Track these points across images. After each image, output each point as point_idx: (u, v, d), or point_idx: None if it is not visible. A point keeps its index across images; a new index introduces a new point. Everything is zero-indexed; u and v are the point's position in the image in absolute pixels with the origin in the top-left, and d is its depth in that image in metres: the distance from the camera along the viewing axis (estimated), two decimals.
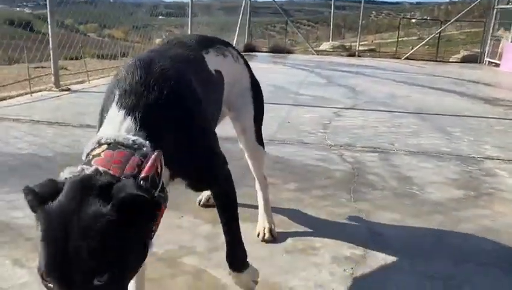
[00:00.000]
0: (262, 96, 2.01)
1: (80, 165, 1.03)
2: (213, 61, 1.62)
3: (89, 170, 0.99)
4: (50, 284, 0.89)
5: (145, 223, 0.99)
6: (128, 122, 1.11)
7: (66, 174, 1.01)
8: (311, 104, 5.42)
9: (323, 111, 5.03)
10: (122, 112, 1.13)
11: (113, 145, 1.06)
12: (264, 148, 2.05)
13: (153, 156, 1.04)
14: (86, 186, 0.94)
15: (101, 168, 1.00)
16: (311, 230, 2.15)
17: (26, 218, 2.12)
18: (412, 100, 6.11)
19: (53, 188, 0.94)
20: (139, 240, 0.97)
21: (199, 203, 2.33)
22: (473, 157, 3.47)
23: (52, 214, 0.90)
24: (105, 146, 1.06)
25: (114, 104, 1.16)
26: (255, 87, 1.95)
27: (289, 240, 2.05)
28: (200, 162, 1.31)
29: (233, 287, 1.62)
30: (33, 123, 3.90)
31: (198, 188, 1.52)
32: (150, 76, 1.21)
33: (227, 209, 1.51)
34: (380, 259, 1.91)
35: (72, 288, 0.87)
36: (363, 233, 2.15)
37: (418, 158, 3.39)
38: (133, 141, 1.07)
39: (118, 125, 1.12)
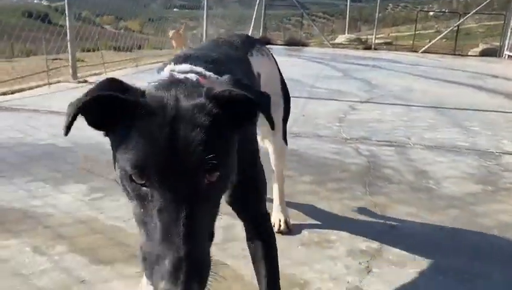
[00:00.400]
0: (289, 95, 2.00)
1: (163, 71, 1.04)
2: (255, 63, 1.62)
3: (177, 75, 0.99)
4: (144, 188, 0.79)
5: (246, 124, 0.93)
6: None
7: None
8: (327, 98, 5.39)
9: (338, 104, 5.00)
10: None
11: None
12: (287, 144, 2.09)
13: None
14: (180, 84, 0.92)
15: (194, 77, 0.99)
16: (327, 223, 2.15)
17: (45, 206, 2.17)
18: (429, 94, 6.04)
19: (137, 89, 0.89)
20: (243, 143, 0.94)
21: None
22: (491, 152, 3.42)
23: (148, 107, 0.83)
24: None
25: None
26: (284, 86, 1.96)
27: (305, 233, 2.05)
28: (250, 172, 1.22)
29: (249, 278, 1.63)
30: (52, 114, 3.96)
31: (237, 207, 1.28)
32: None
33: (269, 260, 1.27)
34: (394, 253, 1.91)
35: (179, 188, 0.77)
36: (378, 227, 2.14)
37: (434, 152, 3.35)
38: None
39: None
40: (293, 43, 15.31)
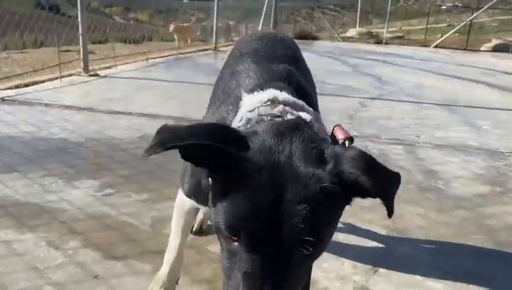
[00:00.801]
0: None
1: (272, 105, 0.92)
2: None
3: (290, 115, 0.89)
4: (235, 243, 0.75)
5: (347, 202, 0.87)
6: None
7: (243, 113, 0.90)
8: (337, 94, 5.39)
9: (349, 101, 5.00)
10: None
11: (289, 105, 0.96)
12: None
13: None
14: (293, 132, 0.82)
15: (305, 116, 0.91)
16: None
17: (60, 202, 2.22)
18: (440, 91, 6.00)
19: (241, 138, 0.81)
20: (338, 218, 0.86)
21: (192, 232, 1.96)
22: (501, 152, 3.41)
23: (254, 164, 0.76)
24: (281, 106, 0.95)
25: None
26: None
27: None
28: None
29: None
30: (64, 108, 4.01)
31: None
32: None
33: None
34: (401, 253, 1.93)
35: (270, 258, 0.73)
36: (385, 227, 2.16)
37: (444, 152, 3.36)
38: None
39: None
40: (303, 36, 15.23)
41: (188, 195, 1.32)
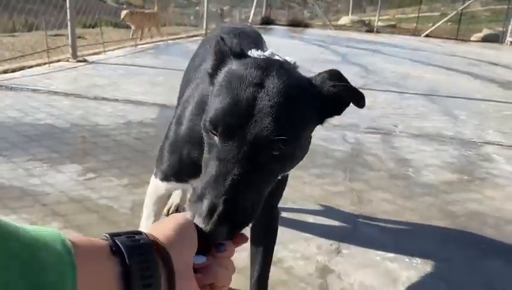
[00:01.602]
0: None
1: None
2: None
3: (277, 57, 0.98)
4: (215, 137, 0.84)
5: (328, 115, 0.95)
6: None
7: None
8: None
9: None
10: None
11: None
12: None
13: None
14: (282, 63, 0.92)
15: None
16: (306, 206, 2.30)
17: (43, 185, 2.31)
18: (425, 81, 6.12)
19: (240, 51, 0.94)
20: (310, 135, 0.93)
21: (167, 214, 2.13)
22: (474, 141, 3.54)
23: (245, 68, 0.86)
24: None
25: None
26: None
27: (284, 214, 2.19)
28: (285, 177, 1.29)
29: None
30: (51, 94, 4.08)
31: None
32: None
33: (268, 257, 1.44)
34: (366, 235, 2.06)
35: (241, 148, 0.80)
36: (353, 211, 2.28)
37: (418, 141, 3.48)
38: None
39: None
40: (295, 23, 15.25)
41: (167, 176, 1.39)
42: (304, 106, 0.86)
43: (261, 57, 0.96)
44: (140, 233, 0.61)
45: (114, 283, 0.53)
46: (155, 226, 0.68)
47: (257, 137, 0.80)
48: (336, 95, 0.90)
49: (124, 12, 8.90)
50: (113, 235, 0.57)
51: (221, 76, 0.90)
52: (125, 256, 0.54)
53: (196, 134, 1.21)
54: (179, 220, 0.69)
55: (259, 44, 1.61)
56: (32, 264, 0.44)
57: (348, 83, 0.93)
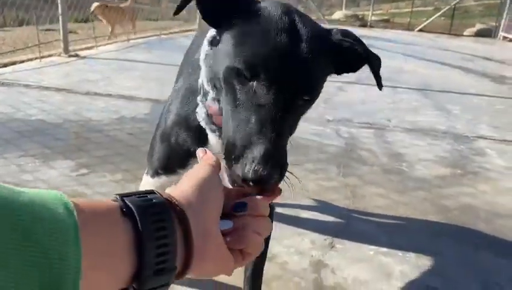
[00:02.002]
0: None
1: None
2: None
3: None
4: (251, 82, 0.82)
5: (345, 69, 1.00)
6: None
7: None
8: None
9: (326, 85, 5.08)
10: None
11: None
12: None
13: None
14: (297, 10, 0.93)
15: None
16: (300, 202, 2.30)
17: (35, 181, 2.30)
18: (418, 75, 6.14)
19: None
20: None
21: None
22: (466, 136, 3.56)
23: (269, 13, 0.87)
24: None
25: None
26: None
27: (278, 209, 2.19)
28: None
29: None
30: (42, 89, 4.04)
31: None
32: None
33: (263, 253, 1.43)
34: (359, 230, 2.06)
35: (284, 92, 0.81)
36: (347, 205, 2.29)
37: (412, 135, 3.49)
38: None
39: None
40: None
41: (156, 170, 1.36)
42: (328, 55, 0.90)
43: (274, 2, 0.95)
44: (153, 192, 0.56)
45: (125, 245, 0.48)
46: (174, 186, 0.61)
47: (298, 83, 0.82)
48: (354, 51, 0.94)
49: (94, 5, 7.97)
50: (123, 196, 0.52)
51: (238, 22, 0.88)
52: (137, 217, 0.50)
53: (183, 118, 1.21)
54: (201, 174, 0.62)
55: None
56: (30, 229, 0.39)
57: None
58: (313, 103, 0.93)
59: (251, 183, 0.73)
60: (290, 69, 0.82)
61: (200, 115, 1.08)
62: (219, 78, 0.91)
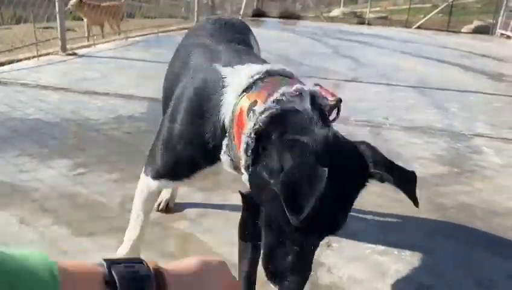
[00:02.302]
0: None
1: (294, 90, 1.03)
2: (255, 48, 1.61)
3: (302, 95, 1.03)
4: (296, 233, 0.93)
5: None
6: None
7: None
8: (313, 76, 5.47)
9: (323, 83, 5.02)
10: None
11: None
12: None
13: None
14: (335, 137, 0.98)
15: (305, 88, 1.05)
16: None
17: (32, 181, 2.30)
18: (415, 73, 6.14)
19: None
20: None
21: (157, 209, 2.09)
22: (463, 134, 3.57)
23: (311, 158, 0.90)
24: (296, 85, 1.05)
25: None
26: None
27: None
28: None
29: (219, 250, 1.79)
30: (40, 88, 4.03)
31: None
32: None
33: (258, 248, 1.44)
34: (355, 229, 2.07)
35: (318, 242, 1.01)
36: None
37: (409, 134, 3.50)
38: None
39: None
40: (287, 16, 15.21)
41: (160, 174, 1.35)
42: (359, 185, 1.00)
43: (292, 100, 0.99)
44: (141, 262, 0.56)
45: None
46: (178, 261, 0.62)
47: (334, 227, 0.97)
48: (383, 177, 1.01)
49: (73, 1, 7.31)
50: (111, 263, 0.53)
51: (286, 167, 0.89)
52: (118, 288, 0.51)
53: (192, 134, 1.18)
54: (212, 273, 0.61)
55: (245, 36, 1.58)
56: None
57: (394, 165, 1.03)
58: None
59: None
60: (329, 214, 0.93)
61: (225, 160, 1.13)
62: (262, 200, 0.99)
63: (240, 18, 2.09)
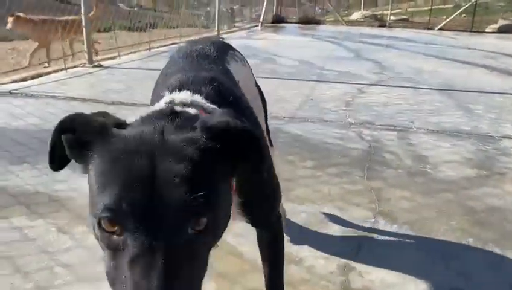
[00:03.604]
0: (264, 95, 1.92)
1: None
2: (234, 71, 1.52)
3: (167, 108, 0.90)
4: (115, 236, 0.69)
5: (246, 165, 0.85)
6: None
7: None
8: (336, 80, 5.48)
9: (347, 87, 5.10)
10: None
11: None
12: (272, 145, 2.04)
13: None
14: (172, 115, 0.83)
15: (178, 108, 0.90)
16: (325, 206, 2.32)
17: (67, 190, 2.38)
18: (439, 75, 6.07)
19: (116, 120, 0.84)
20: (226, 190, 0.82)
21: None
22: (491, 136, 3.52)
23: (125, 140, 0.76)
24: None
25: None
26: (259, 87, 1.88)
27: (303, 215, 2.22)
28: (268, 187, 1.19)
29: (249, 255, 1.82)
30: (69, 100, 4.16)
31: (249, 220, 1.18)
32: None
33: (276, 260, 1.34)
34: (385, 233, 2.07)
35: (157, 234, 0.66)
36: (372, 209, 2.30)
37: (435, 137, 3.47)
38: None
39: None
40: (306, 21, 15.24)
41: None
42: (207, 158, 0.75)
43: (154, 113, 0.86)
44: None
45: None
46: None
47: (173, 212, 0.67)
48: (226, 136, 0.79)
49: (10, 20, 6.13)
50: None
51: (96, 159, 0.77)
52: None
53: None
54: None
55: (219, 59, 1.46)
56: None
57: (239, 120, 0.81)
58: (220, 226, 0.78)
59: None
60: (158, 201, 0.67)
61: None
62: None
63: (219, 39, 2.03)
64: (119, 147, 0.75)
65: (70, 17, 6.47)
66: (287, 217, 2.13)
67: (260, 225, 1.27)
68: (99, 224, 0.70)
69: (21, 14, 6.15)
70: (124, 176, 0.70)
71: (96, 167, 0.76)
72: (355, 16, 18.15)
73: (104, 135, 0.78)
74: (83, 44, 5.94)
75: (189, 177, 0.69)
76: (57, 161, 0.91)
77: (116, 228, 0.68)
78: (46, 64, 6.36)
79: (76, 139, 0.81)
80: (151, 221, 0.66)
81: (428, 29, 14.03)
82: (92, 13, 6.24)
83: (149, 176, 0.69)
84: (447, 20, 14.54)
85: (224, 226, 0.82)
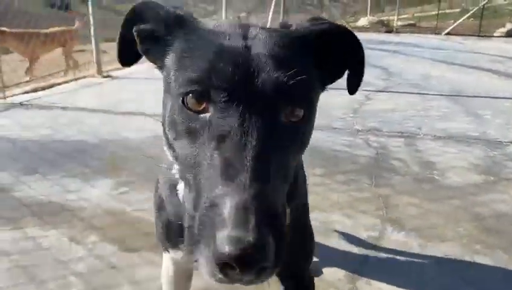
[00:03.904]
0: None
1: None
2: None
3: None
4: (202, 115, 0.62)
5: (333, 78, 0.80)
6: None
7: None
8: (343, 87, 5.46)
9: (355, 94, 5.09)
10: None
11: None
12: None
13: None
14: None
15: None
16: (333, 213, 2.34)
17: (78, 200, 2.42)
18: (447, 81, 6.06)
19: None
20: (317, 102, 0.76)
21: None
22: (499, 141, 3.51)
23: (212, 29, 0.72)
24: None
25: None
26: None
27: (313, 223, 2.23)
28: (306, 230, 1.11)
29: None
30: (79, 110, 4.23)
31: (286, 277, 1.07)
32: None
33: None
34: (393, 241, 2.08)
35: (251, 113, 0.59)
36: (380, 216, 2.31)
37: (443, 143, 3.47)
38: None
39: None
40: None
41: (162, 242, 1.15)
42: (300, 55, 0.71)
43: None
44: None
45: None
46: None
47: (270, 94, 0.60)
48: (324, 38, 0.76)
49: None
50: None
51: (179, 46, 0.72)
52: None
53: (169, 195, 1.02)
54: None
55: None
56: None
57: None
58: (309, 121, 0.70)
59: (233, 268, 0.49)
60: (256, 74, 0.61)
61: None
62: (167, 130, 0.70)
63: None
64: (205, 33, 0.70)
65: (55, 29, 6.46)
66: None
67: (290, 278, 1.10)
68: (184, 102, 0.63)
69: (5, 29, 5.95)
70: (216, 52, 0.63)
71: (179, 52, 0.71)
72: (362, 21, 18.13)
73: (182, 25, 0.74)
74: (92, 54, 6.02)
75: (289, 64, 0.64)
76: (125, 56, 0.88)
77: (203, 105, 0.62)
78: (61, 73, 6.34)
79: (151, 30, 0.78)
80: (244, 98, 0.59)
81: (436, 34, 13.99)
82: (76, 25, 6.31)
83: (244, 54, 0.63)
84: (455, 24, 14.49)
85: (307, 141, 0.74)
